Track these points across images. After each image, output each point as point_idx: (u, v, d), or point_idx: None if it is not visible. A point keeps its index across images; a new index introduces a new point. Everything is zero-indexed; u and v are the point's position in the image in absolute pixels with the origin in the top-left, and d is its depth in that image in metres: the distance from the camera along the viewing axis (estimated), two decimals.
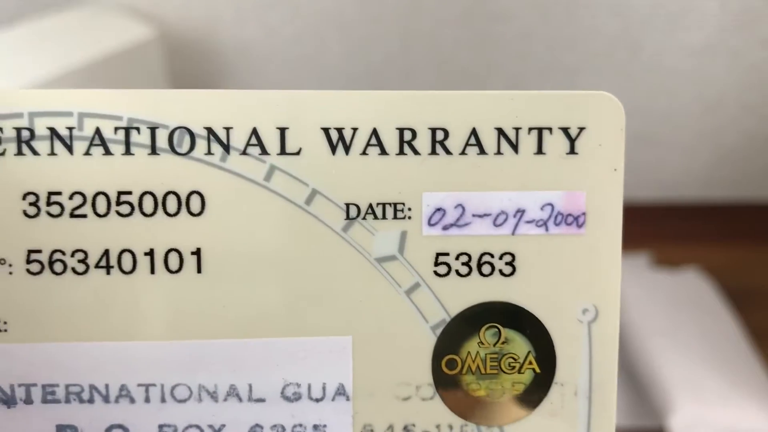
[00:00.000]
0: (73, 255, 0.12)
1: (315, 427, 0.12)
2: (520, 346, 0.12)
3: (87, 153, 0.11)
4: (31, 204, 0.11)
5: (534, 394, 0.12)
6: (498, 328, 0.12)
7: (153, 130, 0.11)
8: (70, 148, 0.11)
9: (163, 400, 0.12)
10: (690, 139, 0.40)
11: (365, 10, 0.36)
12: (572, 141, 0.12)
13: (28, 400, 0.12)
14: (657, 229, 0.38)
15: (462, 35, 0.36)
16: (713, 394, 0.30)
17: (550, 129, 0.12)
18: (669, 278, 0.35)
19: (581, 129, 0.12)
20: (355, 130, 0.12)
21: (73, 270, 0.12)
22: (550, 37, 0.36)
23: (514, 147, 0.12)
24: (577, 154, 0.12)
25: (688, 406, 0.29)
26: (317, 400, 0.12)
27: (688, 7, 0.36)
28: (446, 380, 0.12)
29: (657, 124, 0.39)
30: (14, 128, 0.11)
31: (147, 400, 0.12)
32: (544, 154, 0.12)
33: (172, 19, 0.36)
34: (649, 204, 0.40)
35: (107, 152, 0.11)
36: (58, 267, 0.12)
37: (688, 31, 0.36)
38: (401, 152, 0.12)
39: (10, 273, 0.12)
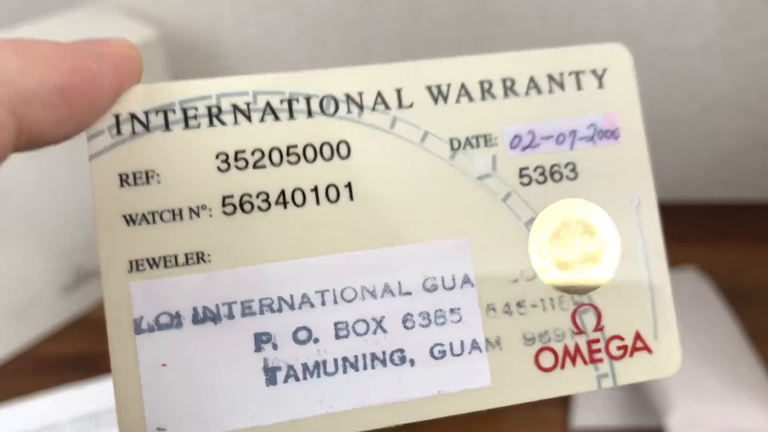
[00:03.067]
0: (257, 197, 0.15)
1: (451, 310, 0.16)
2: (591, 230, 0.16)
3: (261, 120, 0.15)
4: (222, 161, 0.15)
5: (607, 266, 0.16)
6: (573, 219, 0.16)
7: (308, 99, 0.16)
8: (249, 118, 0.15)
9: (335, 302, 0.15)
10: (688, 140, 0.40)
11: (365, 10, 0.36)
12: (600, 78, 0.17)
13: (230, 316, 0.15)
14: None
15: (462, 36, 0.36)
16: (712, 393, 0.30)
17: (584, 71, 0.17)
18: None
19: (605, 69, 0.17)
20: (449, 85, 0.16)
21: (259, 208, 0.15)
22: (550, 38, 0.36)
23: (561, 87, 0.16)
24: (604, 87, 0.17)
25: (686, 405, 0.30)
26: (450, 289, 0.16)
27: (685, 8, 0.35)
28: (542, 263, 0.16)
29: (655, 125, 0.37)
30: (206, 107, 0.15)
31: (323, 303, 0.15)
32: (582, 89, 0.17)
33: (173, 19, 0.36)
34: None
35: (276, 118, 0.15)
36: (247, 207, 0.15)
37: (686, 32, 0.36)
38: (483, 98, 0.16)
39: (210, 216, 0.15)
